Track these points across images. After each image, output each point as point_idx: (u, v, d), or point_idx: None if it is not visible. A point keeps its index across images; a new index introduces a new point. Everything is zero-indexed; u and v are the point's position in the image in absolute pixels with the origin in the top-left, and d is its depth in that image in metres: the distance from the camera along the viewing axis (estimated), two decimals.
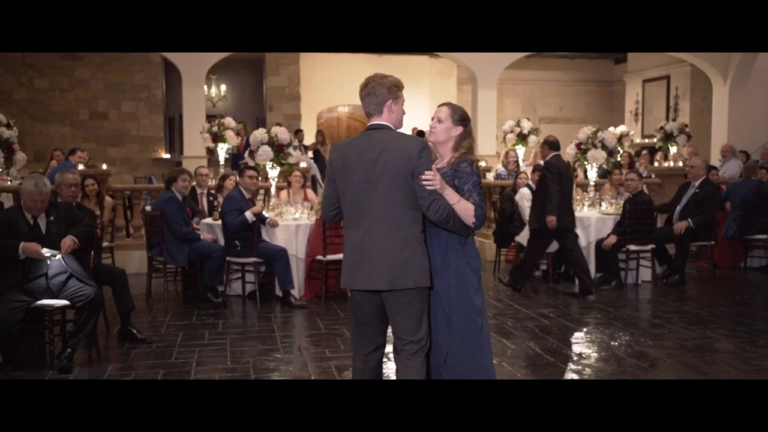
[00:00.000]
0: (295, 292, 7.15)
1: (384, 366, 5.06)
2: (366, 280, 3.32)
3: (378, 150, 3.28)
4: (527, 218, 8.00)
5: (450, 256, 3.39)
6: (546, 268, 8.27)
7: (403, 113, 3.43)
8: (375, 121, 3.37)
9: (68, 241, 5.05)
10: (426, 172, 3.23)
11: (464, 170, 3.38)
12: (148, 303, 7.25)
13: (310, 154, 12.94)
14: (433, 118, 3.53)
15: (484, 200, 3.46)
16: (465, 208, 3.31)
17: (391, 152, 3.27)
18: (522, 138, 11.88)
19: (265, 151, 7.70)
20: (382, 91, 3.34)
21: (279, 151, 7.82)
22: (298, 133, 13.30)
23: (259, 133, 7.86)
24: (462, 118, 3.49)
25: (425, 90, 17.01)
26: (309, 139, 14.50)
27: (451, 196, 3.30)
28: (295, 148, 7.99)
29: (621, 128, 10.67)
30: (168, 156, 15.08)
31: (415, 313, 3.34)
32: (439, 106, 3.56)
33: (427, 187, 3.23)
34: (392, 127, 3.38)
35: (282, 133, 7.82)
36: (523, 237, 8.08)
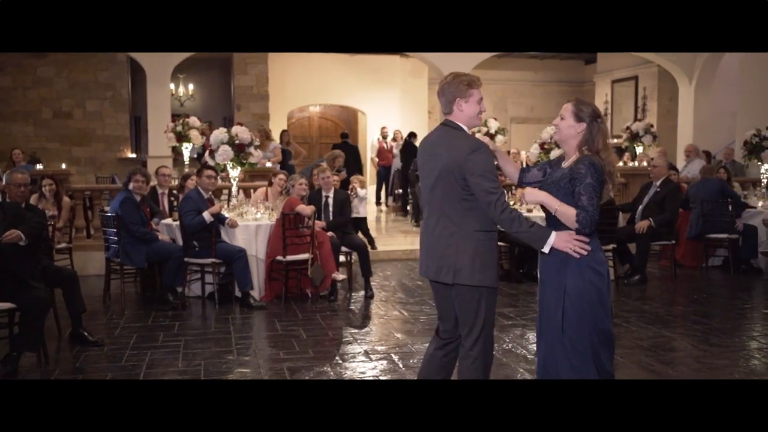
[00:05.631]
0: (255, 293, 7.08)
1: (357, 366, 5.03)
2: (422, 267, 3.59)
3: (437, 146, 3.48)
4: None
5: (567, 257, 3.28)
6: (509, 267, 8.27)
7: (479, 110, 3.46)
8: (447, 118, 3.51)
9: (13, 232, 4.90)
10: (525, 191, 3.26)
11: (578, 171, 3.23)
12: (105, 305, 7.13)
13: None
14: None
15: (596, 203, 3.25)
16: (564, 214, 3.23)
17: (443, 150, 3.42)
18: (489, 137, 11.87)
19: (225, 151, 7.61)
20: (450, 90, 3.45)
21: (240, 150, 7.74)
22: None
23: (220, 133, 7.77)
24: (588, 115, 3.31)
25: (396, 90, 17.02)
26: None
27: (551, 203, 3.27)
28: (256, 147, 7.91)
29: None
30: (134, 156, 14.89)
31: (462, 309, 3.46)
32: (566, 103, 3.44)
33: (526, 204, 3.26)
34: (458, 125, 3.45)
35: (242, 133, 7.74)
36: None
